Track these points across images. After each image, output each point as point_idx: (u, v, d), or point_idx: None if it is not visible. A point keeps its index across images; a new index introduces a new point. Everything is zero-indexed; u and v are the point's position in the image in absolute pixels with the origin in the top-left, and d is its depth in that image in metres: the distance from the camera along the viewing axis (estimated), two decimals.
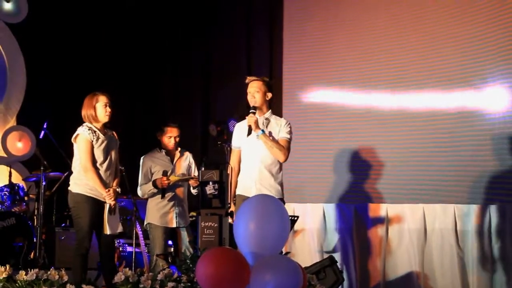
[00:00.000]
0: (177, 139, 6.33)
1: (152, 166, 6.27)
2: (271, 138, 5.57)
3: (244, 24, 8.44)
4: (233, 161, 5.69)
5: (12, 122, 8.42)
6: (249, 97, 5.68)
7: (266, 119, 5.68)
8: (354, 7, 8.01)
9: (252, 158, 5.56)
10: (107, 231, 5.44)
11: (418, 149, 7.60)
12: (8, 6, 8.45)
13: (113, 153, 5.62)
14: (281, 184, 5.65)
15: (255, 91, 5.66)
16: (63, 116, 7.06)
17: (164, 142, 6.33)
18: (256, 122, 5.54)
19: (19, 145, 8.32)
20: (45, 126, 7.44)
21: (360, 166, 7.76)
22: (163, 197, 6.16)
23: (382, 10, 7.88)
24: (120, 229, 5.64)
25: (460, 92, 7.37)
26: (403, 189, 7.60)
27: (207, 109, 8.28)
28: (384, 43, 7.82)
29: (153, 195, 6.21)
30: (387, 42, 7.80)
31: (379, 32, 7.86)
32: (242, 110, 6.07)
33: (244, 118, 5.77)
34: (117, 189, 5.55)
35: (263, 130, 5.55)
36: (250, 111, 5.60)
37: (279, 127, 5.67)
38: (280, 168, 5.67)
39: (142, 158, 6.38)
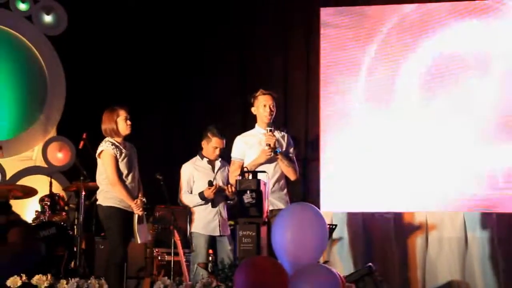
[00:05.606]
0: (222, 151, 6.34)
1: (194, 174, 6.27)
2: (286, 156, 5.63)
3: (280, 25, 8.40)
4: (236, 173, 5.61)
5: (53, 132, 8.53)
6: (265, 111, 5.61)
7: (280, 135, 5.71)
8: None
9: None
10: (138, 240, 5.60)
11: (458, 157, 7.52)
12: (48, 18, 8.58)
13: (135, 165, 5.72)
14: (287, 194, 5.70)
15: (273, 105, 5.67)
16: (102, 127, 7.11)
17: (207, 150, 6.31)
18: (275, 142, 5.54)
19: (59, 155, 8.42)
20: (84, 137, 7.51)
21: (400, 173, 7.67)
22: (214, 206, 6.19)
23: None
24: (149, 237, 5.78)
25: None
26: (443, 197, 7.52)
27: (245, 116, 8.25)
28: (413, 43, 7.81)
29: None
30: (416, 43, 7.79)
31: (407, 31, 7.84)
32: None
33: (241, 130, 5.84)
34: (144, 199, 5.66)
35: (279, 149, 5.56)
36: (269, 128, 5.55)
37: (284, 143, 5.71)
38: (287, 181, 5.71)
39: (183, 166, 6.37)
